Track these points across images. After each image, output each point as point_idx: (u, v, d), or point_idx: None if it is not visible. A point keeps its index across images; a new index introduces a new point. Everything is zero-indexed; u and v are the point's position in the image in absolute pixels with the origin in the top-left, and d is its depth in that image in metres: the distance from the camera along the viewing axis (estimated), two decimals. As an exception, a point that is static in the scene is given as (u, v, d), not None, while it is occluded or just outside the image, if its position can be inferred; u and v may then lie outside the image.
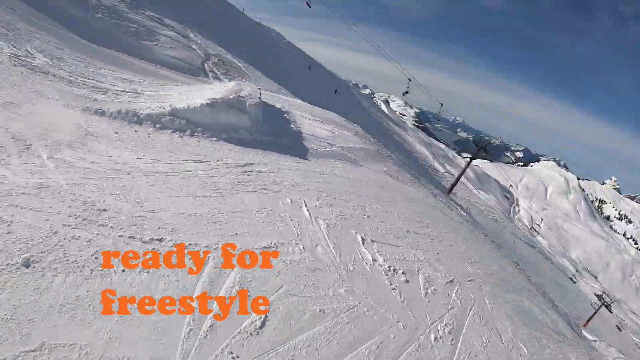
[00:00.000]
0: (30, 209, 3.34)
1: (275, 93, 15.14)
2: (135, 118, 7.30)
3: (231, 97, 8.40)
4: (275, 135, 8.37)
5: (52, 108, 6.01)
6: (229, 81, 13.46)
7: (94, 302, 2.85)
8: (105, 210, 3.71)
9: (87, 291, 2.90)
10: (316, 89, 27.24)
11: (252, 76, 17.17)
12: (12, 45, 8.02)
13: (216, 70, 15.06)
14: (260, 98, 9.12)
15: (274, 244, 4.41)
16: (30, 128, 4.89)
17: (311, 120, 10.25)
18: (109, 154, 5.35)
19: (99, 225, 3.47)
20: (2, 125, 4.61)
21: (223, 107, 8.07)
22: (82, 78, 8.48)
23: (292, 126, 9.35)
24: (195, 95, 9.07)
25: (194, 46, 16.37)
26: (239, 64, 17.70)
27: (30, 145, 4.39)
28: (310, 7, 14.27)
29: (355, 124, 14.41)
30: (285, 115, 9.96)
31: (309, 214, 5.25)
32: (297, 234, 4.82)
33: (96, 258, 3.15)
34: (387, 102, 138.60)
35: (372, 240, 5.56)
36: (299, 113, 10.58)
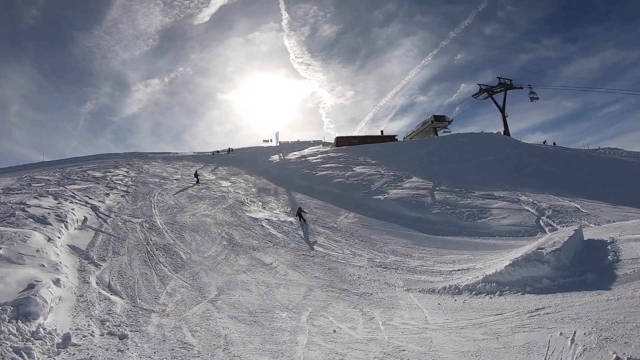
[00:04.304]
0: (359, 350, 7.03)
1: (624, 220, 14.85)
2: (457, 290, 10.49)
3: (530, 252, 10.30)
4: (579, 274, 9.22)
5: (395, 293, 10.25)
6: (563, 228, 14.69)
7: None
8: (404, 350, 6.81)
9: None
10: None
11: (594, 212, 17.29)
12: (371, 250, 13.81)
13: (552, 223, 16.56)
14: (565, 242, 10.34)
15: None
16: (375, 306, 9.05)
17: (636, 241, 10.03)
18: (426, 318, 8.72)
19: (396, 358, 6.53)
20: (357, 306, 9.33)
21: (523, 264, 10.04)
22: (424, 267, 12.80)
23: (608, 257, 9.67)
24: (506, 257, 11.45)
25: (526, 207, 18.89)
26: (576, 205, 18.39)
27: (374, 317, 8.52)
28: None
29: None
30: (608, 247, 10.32)
31: (570, 344, 6.17)
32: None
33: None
34: None
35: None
36: (630, 236, 10.55)
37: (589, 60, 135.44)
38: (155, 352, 7.09)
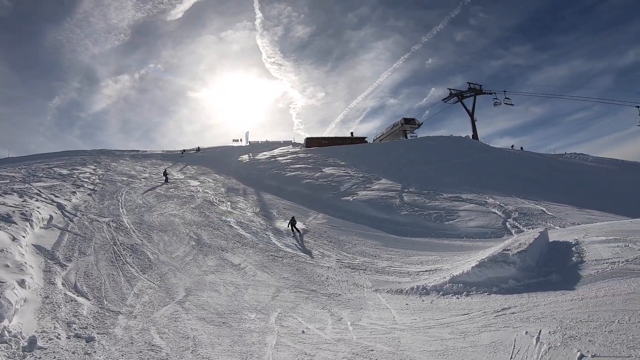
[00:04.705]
0: (328, 350, 7.00)
1: (588, 223, 15.45)
2: (424, 290, 10.55)
3: (496, 253, 10.48)
4: (544, 274, 9.47)
5: (364, 294, 10.27)
6: (529, 230, 15.11)
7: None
8: (372, 350, 6.79)
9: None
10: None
11: (559, 215, 17.95)
12: (339, 251, 13.96)
13: (518, 225, 17.02)
14: (530, 244, 10.59)
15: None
16: (344, 307, 9.02)
17: (599, 243, 10.42)
18: (394, 319, 8.75)
19: (364, 358, 6.49)
20: (326, 307, 9.43)
21: (489, 264, 10.22)
22: (392, 268, 12.88)
23: (572, 258, 9.96)
24: (473, 258, 11.63)
25: (493, 209, 19.43)
26: (542, 208, 19.07)
27: (342, 318, 8.54)
28: None
29: None
30: (572, 249, 10.63)
31: (536, 342, 6.29)
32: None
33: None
34: None
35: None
36: (594, 238, 10.90)
37: (558, 68, 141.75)
38: (122, 355, 6.93)
